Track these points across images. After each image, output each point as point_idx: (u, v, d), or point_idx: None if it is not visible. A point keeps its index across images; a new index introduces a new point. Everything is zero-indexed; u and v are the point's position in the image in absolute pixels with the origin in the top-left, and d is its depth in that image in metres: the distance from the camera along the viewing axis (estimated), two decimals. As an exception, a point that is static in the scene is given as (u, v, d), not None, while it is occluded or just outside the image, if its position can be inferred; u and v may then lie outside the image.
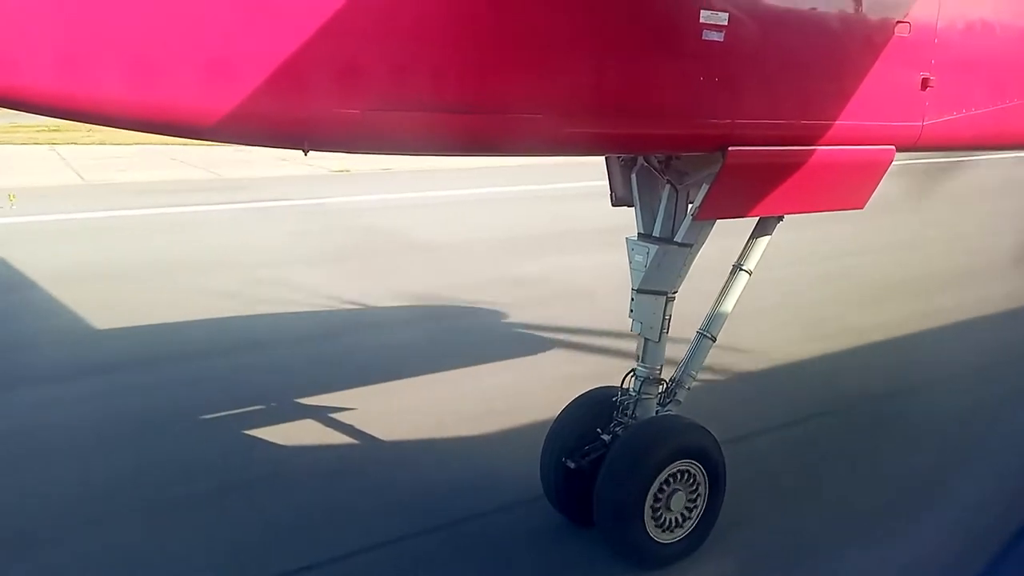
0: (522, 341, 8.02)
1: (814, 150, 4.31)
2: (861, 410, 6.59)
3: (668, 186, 4.46)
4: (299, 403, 6.45)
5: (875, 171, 4.61)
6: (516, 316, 8.69)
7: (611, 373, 4.84)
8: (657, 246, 4.44)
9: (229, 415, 6.29)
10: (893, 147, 4.59)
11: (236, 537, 4.72)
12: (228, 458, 5.67)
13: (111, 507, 4.98)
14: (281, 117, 3.07)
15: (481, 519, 4.87)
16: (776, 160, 4.25)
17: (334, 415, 6.22)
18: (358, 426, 6.05)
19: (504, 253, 11.67)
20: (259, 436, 5.93)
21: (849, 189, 4.64)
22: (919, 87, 4.54)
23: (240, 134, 3.13)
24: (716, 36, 3.76)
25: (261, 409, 6.41)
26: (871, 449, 5.86)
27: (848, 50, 4.31)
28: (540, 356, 7.68)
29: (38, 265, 10.28)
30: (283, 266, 10.59)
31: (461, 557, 4.54)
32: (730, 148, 4.03)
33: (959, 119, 4.74)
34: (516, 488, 5.02)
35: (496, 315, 8.78)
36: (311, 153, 3.29)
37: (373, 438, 5.91)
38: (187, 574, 4.42)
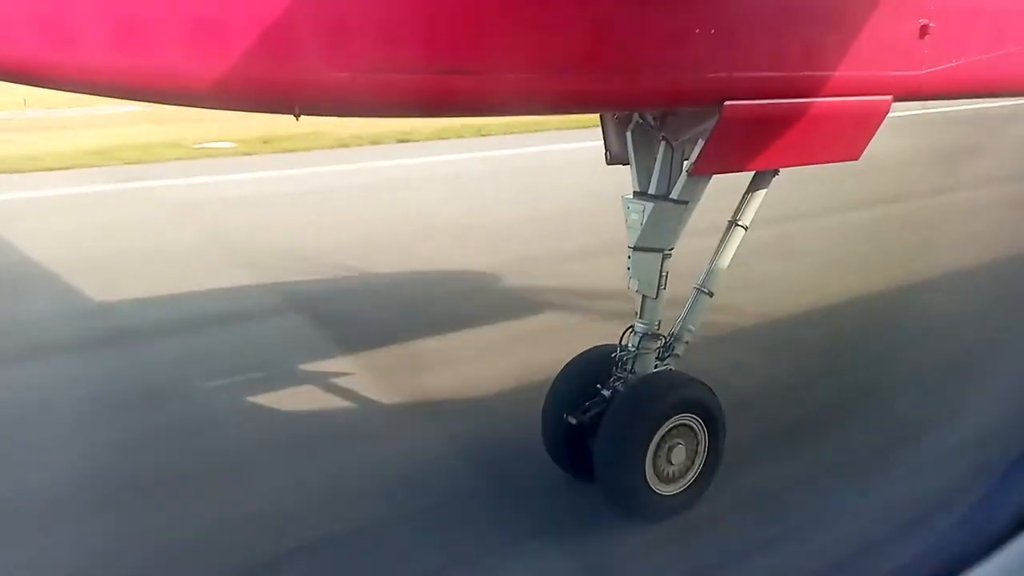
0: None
1: (810, 102, 4.28)
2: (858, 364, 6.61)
3: (663, 143, 4.44)
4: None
5: (871, 122, 4.58)
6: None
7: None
8: (653, 204, 4.43)
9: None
10: (890, 97, 4.55)
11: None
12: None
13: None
14: (272, 82, 3.07)
15: (484, 476, 4.95)
16: (772, 113, 4.22)
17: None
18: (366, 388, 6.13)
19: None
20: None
21: (845, 140, 4.61)
22: (918, 35, 4.49)
23: (231, 100, 3.12)
24: None
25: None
26: (865, 401, 5.89)
27: None
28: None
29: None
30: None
31: (464, 514, 4.61)
32: (726, 102, 4.00)
33: (958, 66, 4.69)
34: (518, 444, 5.07)
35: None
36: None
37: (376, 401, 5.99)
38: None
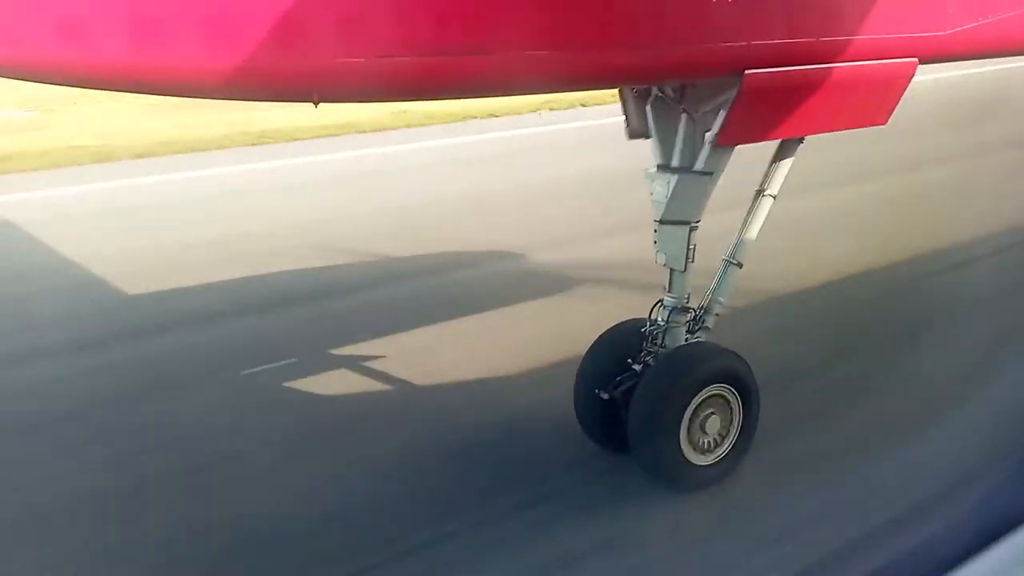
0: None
1: (833, 67, 4.24)
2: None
3: (684, 115, 4.44)
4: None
5: (897, 85, 4.53)
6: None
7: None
8: (677, 176, 4.43)
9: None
10: (915, 59, 4.49)
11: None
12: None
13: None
14: (288, 71, 3.12)
15: (519, 452, 4.99)
16: (794, 80, 4.19)
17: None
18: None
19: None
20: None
21: (871, 105, 4.57)
22: None
23: (249, 91, 3.18)
24: None
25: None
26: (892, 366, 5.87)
27: None
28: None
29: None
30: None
31: (502, 490, 4.68)
32: (747, 72, 3.99)
33: (984, 25, 4.61)
34: (551, 420, 5.11)
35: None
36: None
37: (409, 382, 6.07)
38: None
